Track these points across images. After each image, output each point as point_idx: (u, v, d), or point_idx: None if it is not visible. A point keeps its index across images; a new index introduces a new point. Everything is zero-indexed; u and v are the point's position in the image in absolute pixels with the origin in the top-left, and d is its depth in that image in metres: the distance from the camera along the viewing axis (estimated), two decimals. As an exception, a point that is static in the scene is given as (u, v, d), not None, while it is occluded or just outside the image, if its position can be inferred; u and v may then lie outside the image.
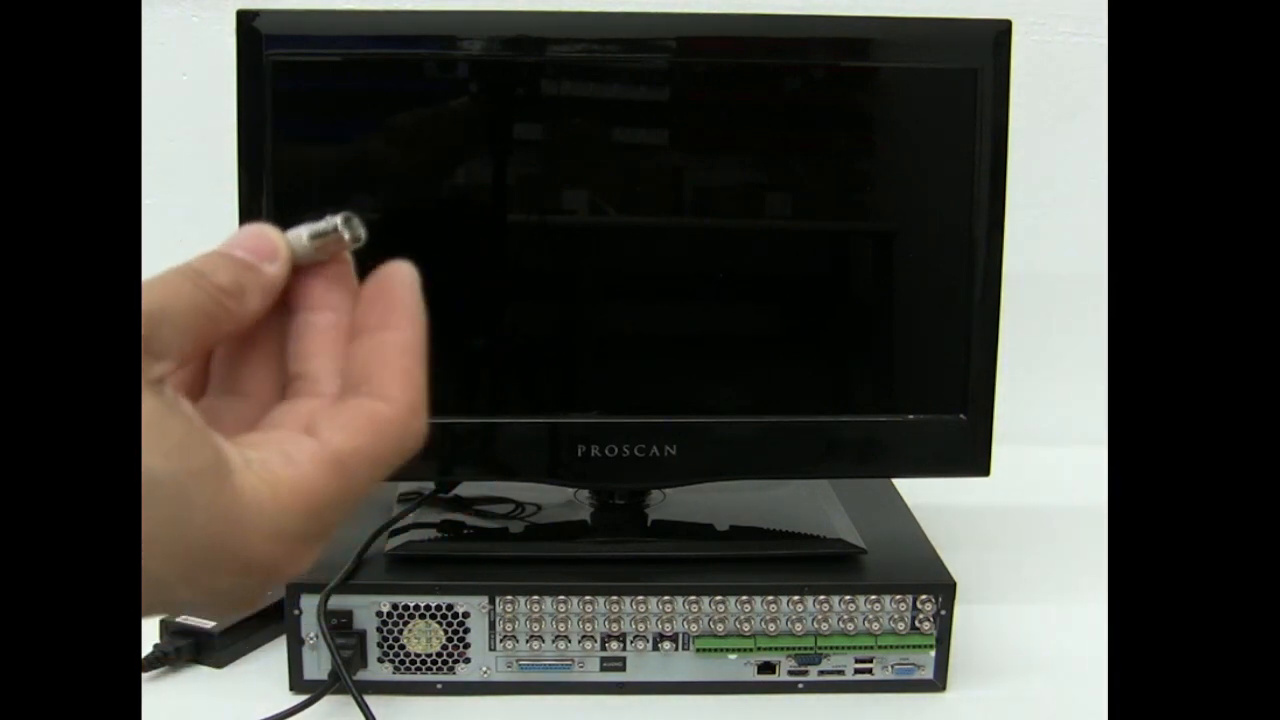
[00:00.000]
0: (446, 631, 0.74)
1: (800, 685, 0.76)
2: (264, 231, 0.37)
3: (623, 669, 0.75)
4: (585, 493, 0.84)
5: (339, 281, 0.38)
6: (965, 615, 0.77)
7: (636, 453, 0.76)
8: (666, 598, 0.74)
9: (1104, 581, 0.79)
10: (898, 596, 0.74)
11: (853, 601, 0.74)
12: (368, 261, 0.38)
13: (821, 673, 0.75)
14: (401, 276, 0.37)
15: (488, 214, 0.75)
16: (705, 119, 0.77)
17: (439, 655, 0.74)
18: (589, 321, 0.79)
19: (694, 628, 0.74)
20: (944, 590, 0.75)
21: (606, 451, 0.76)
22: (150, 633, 0.77)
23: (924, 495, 0.90)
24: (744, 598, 0.74)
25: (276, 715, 0.70)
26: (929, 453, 0.78)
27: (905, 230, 0.78)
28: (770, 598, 0.74)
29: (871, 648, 0.75)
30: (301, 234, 0.37)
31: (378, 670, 0.74)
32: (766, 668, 0.75)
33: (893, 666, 0.76)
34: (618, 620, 0.74)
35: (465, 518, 0.83)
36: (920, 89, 0.76)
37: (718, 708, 0.74)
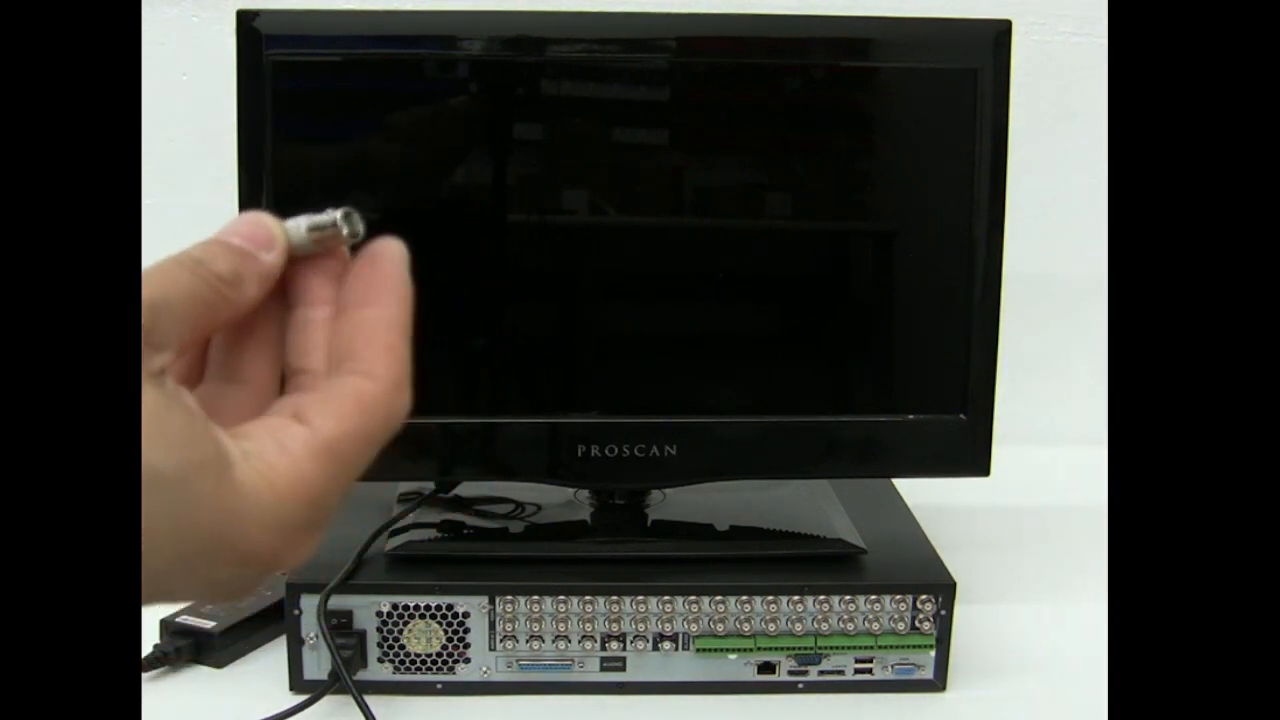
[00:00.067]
0: (446, 631, 0.74)
1: (800, 685, 0.76)
2: (261, 219, 0.37)
3: (623, 669, 0.75)
4: (585, 493, 0.84)
5: (338, 277, 0.38)
6: (965, 615, 0.77)
7: (636, 453, 0.76)
8: (666, 598, 0.74)
9: (1104, 581, 0.79)
10: (898, 596, 0.74)
11: (853, 601, 0.74)
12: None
13: (821, 673, 0.75)
14: (389, 253, 0.37)
15: (488, 214, 0.75)
16: (705, 119, 0.77)
17: (439, 655, 0.74)
18: (589, 321, 0.79)
19: (694, 628, 0.74)
20: (944, 590, 0.75)
21: (606, 451, 0.76)
22: (150, 633, 0.77)
23: (924, 495, 0.90)
24: (744, 598, 0.74)
25: (276, 715, 0.70)
26: (929, 453, 0.78)
27: (905, 230, 0.78)
28: (770, 598, 0.74)
29: (871, 648, 0.75)
30: (300, 225, 0.37)
31: (378, 670, 0.74)
32: (766, 668, 0.75)
33: (893, 666, 0.76)
34: (618, 620, 0.74)
35: (465, 518, 0.83)
36: (920, 89, 0.76)
37: (718, 708, 0.74)
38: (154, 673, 0.75)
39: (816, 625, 0.75)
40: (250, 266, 0.36)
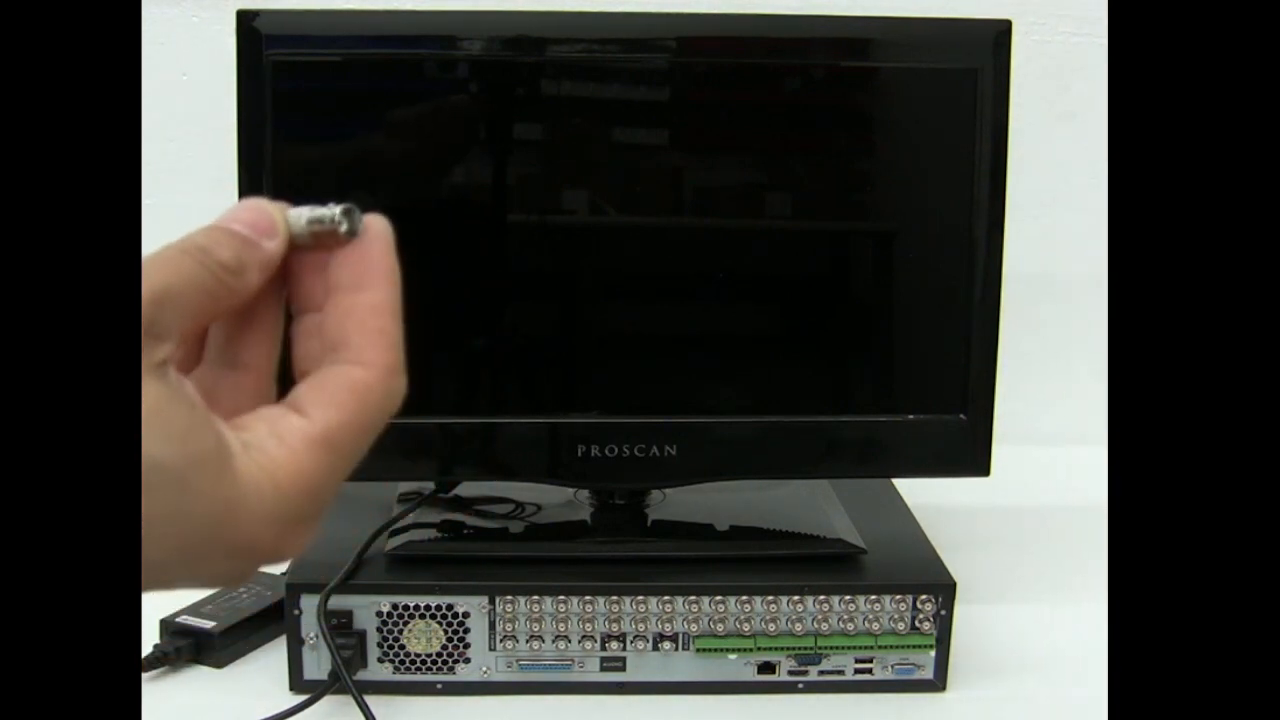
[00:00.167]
0: (446, 631, 0.74)
1: (800, 685, 0.76)
2: (263, 206, 0.36)
3: (623, 669, 0.75)
4: (585, 493, 0.84)
5: None
6: (965, 615, 0.77)
7: (636, 453, 0.76)
8: (666, 598, 0.74)
9: (1104, 581, 0.79)
10: (898, 596, 0.74)
11: (853, 601, 0.74)
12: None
13: (821, 673, 0.75)
14: (376, 233, 0.37)
15: (488, 214, 0.75)
16: (705, 119, 0.77)
17: (439, 655, 0.74)
18: (589, 321, 0.79)
19: (694, 628, 0.74)
20: (944, 590, 0.75)
21: (606, 451, 0.76)
22: (150, 633, 0.77)
23: (924, 495, 0.90)
24: (744, 598, 0.74)
25: (276, 715, 0.70)
26: (929, 453, 0.78)
27: (905, 230, 0.78)
28: (770, 598, 0.74)
29: (871, 648, 0.75)
30: (301, 216, 0.36)
31: (378, 670, 0.74)
32: (766, 668, 0.75)
33: (893, 666, 0.76)
34: (618, 620, 0.74)
35: (465, 518, 0.83)
36: (920, 89, 0.76)
37: (718, 708, 0.74)
38: (154, 673, 0.75)
39: (816, 625, 0.75)
40: (253, 254, 0.35)
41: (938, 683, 0.76)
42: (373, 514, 0.81)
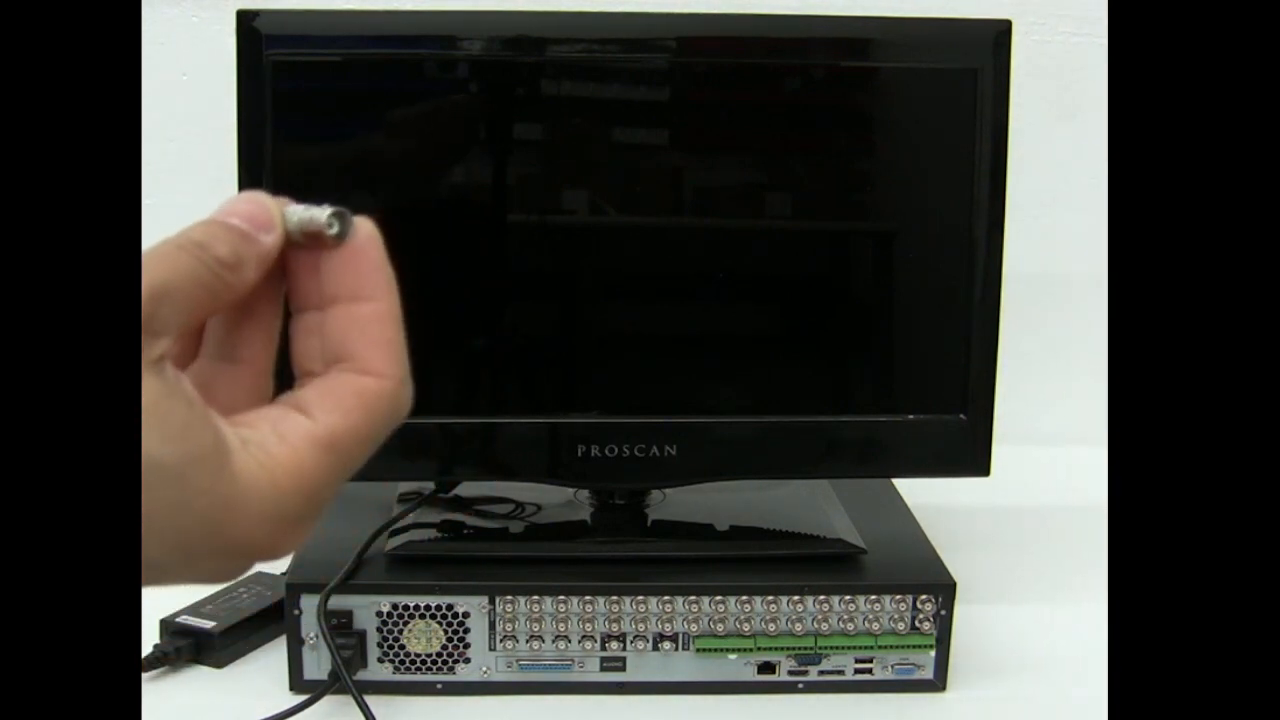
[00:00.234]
0: (446, 631, 0.74)
1: (800, 685, 0.76)
2: (260, 199, 0.36)
3: (623, 669, 0.75)
4: (585, 493, 0.84)
5: None
6: (965, 615, 0.77)
7: (636, 453, 0.76)
8: (666, 598, 0.74)
9: (1104, 581, 0.79)
10: (898, 596, 0.74)
11: (853, 601, 0.74)
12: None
13: (821, 673, 0.75)
14: (367, 238, 0.36)
15: (488, 214, 0.75)
16: (705, 119, 0.77)
17: (439, 655, 0.74)
18: (589, 321, 0.79)
19: (694, 628, 0.74)
20: (944, 590, 0.75)
21: (606, 451, 0.76)
22: (150, 633, 0.77)
23: (924, 495, 0.90)
24: (744, 598, 0.74)
25: (276, 715, 0.70)
26: (929, 453, 0.78)
27: (905, 230, 0.78)
28: (770, 598, 0.74)
29: (871, 648, 0.75)
30: (294, 214, 0.36)
31: (378, 670, 0.74)
32: (766, 668, 0.75)
33: (893, 666, 0.76)
34: (618, 620, 0.74)
35: (465, 518, 0.83)
36: (920, 89, 0.76)
37: (718, 708, 0.74)
38: (154, 673, 0.75)
39: (816, 625, 0.75)
40: (250, 249, 0.35)
41: (938, 683, 0.76)
42: (373, 514, 0.81)
